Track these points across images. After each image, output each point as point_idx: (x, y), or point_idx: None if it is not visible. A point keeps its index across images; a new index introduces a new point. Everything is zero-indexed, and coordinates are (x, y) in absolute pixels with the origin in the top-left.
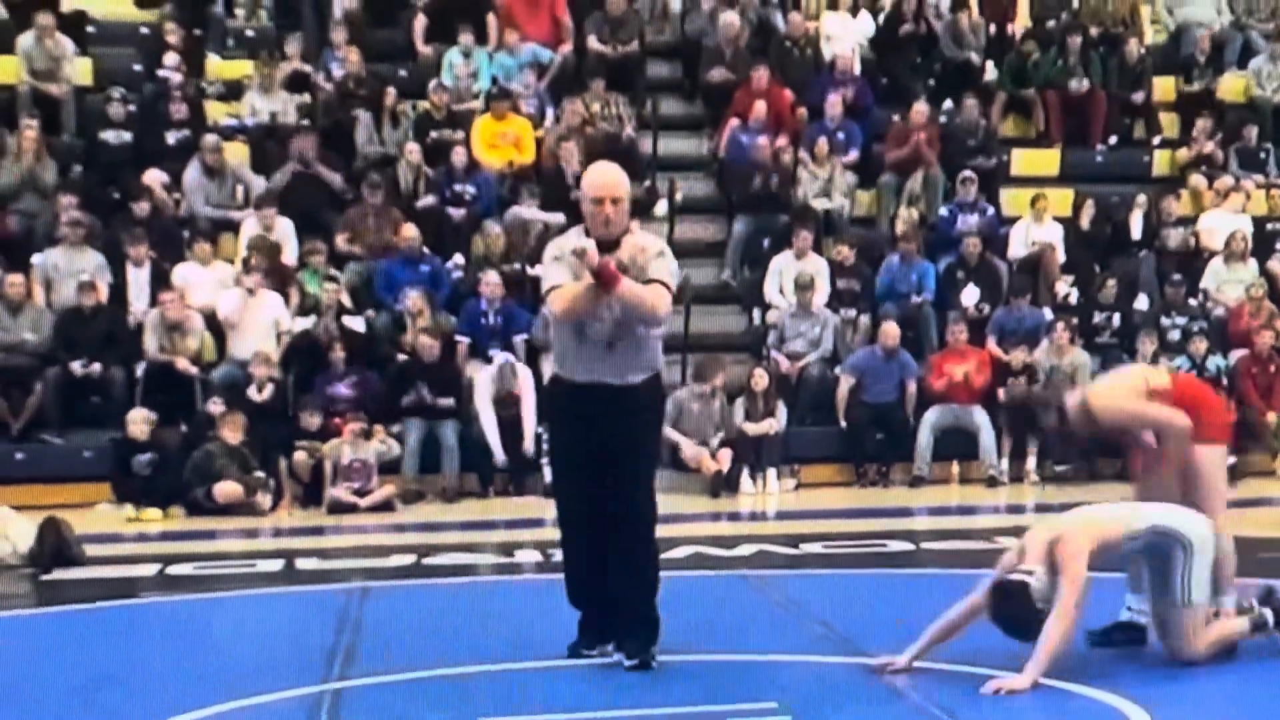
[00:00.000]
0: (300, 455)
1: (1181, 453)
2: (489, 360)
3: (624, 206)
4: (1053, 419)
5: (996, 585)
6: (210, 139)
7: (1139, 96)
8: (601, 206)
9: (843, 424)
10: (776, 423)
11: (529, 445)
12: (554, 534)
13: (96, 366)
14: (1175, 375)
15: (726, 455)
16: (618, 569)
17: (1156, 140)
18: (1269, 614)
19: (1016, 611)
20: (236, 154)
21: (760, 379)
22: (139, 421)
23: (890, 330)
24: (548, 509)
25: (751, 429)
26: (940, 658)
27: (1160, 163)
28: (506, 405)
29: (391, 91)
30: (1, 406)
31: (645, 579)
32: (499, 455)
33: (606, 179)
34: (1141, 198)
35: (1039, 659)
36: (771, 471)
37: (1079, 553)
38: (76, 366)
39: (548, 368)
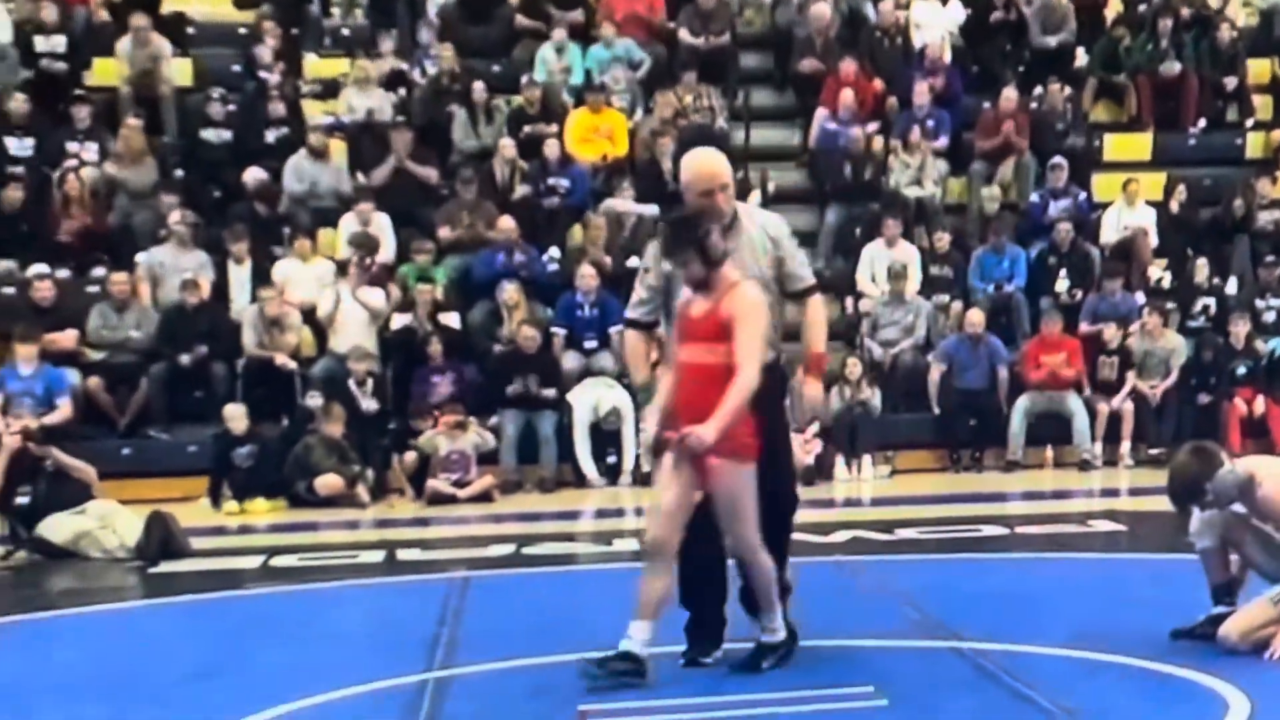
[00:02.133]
0: (409, 455)
1: None
2: (585, 352)
3: (731, 192)
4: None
5: (1201, 444)
6: (318, 120)
7: (1231, 79)
8: (712, 198)
9: (935, 410)
10: (871, 411)
11: (628, 465)
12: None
13: (203, 349)
14: None
15: (818, 443)
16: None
17: (1249, 123)
18: None
19: (1193, 468)
20: (334, 151)
21: (854, 367)
22: (237, 417)
23: (974, 316)
24: (643, 497)
25: (845, 417)
26: (1037, 641)
27: (1253, 145)
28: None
29: (483, 86)
30: (108, 403)
31: (782, 553)
32: (593, 478)
33: (715, 166)
34: (1231, 178)
35: None
36: (866, 458)
37: None
38: (184, 357)
39: None
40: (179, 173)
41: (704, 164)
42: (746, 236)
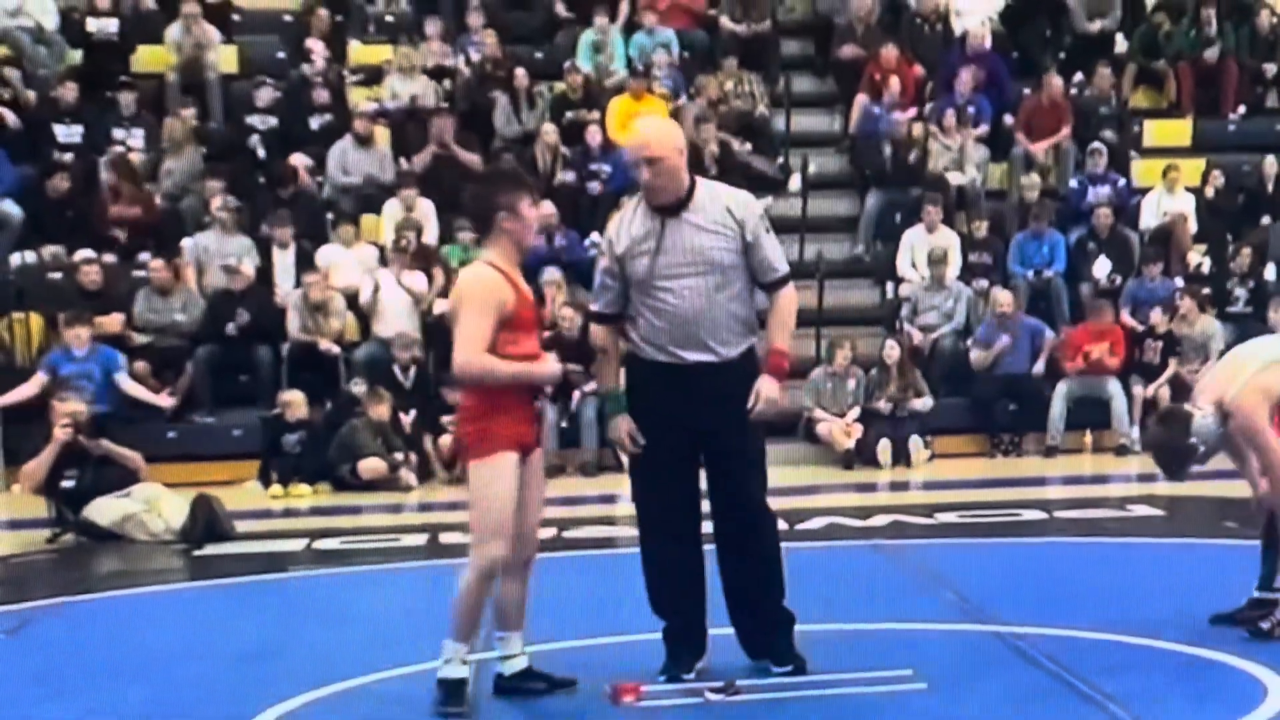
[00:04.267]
0: (445, 438)
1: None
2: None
3: (668, 166)
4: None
5: (1163, 410)
6: (363, 107)
7: (1271, 66)
8: (638, 170)
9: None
10: (921, 402)
11: None
12: None
13: (246, 315)
14: None
15: (859, 428)
16: (741, 573)
17: None
18: None
19: (1169, 436)
20: (378, 138)
21: (891, 351)
22: (295, 403)
23: (1001, 297)
24: None
25: (886, 404)
26: (1077, 625)
27: None
28: None
29: (526, 73)
30: (154, 387)
31: (776, 579)
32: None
33: (641, 136)
34: (1270, 162)
35: None
36: (906, 443)
37: (1258, 425)
38: (230, 326)
39: None
40: (223, 159)
41: (637, 133)
42: (705, 218)
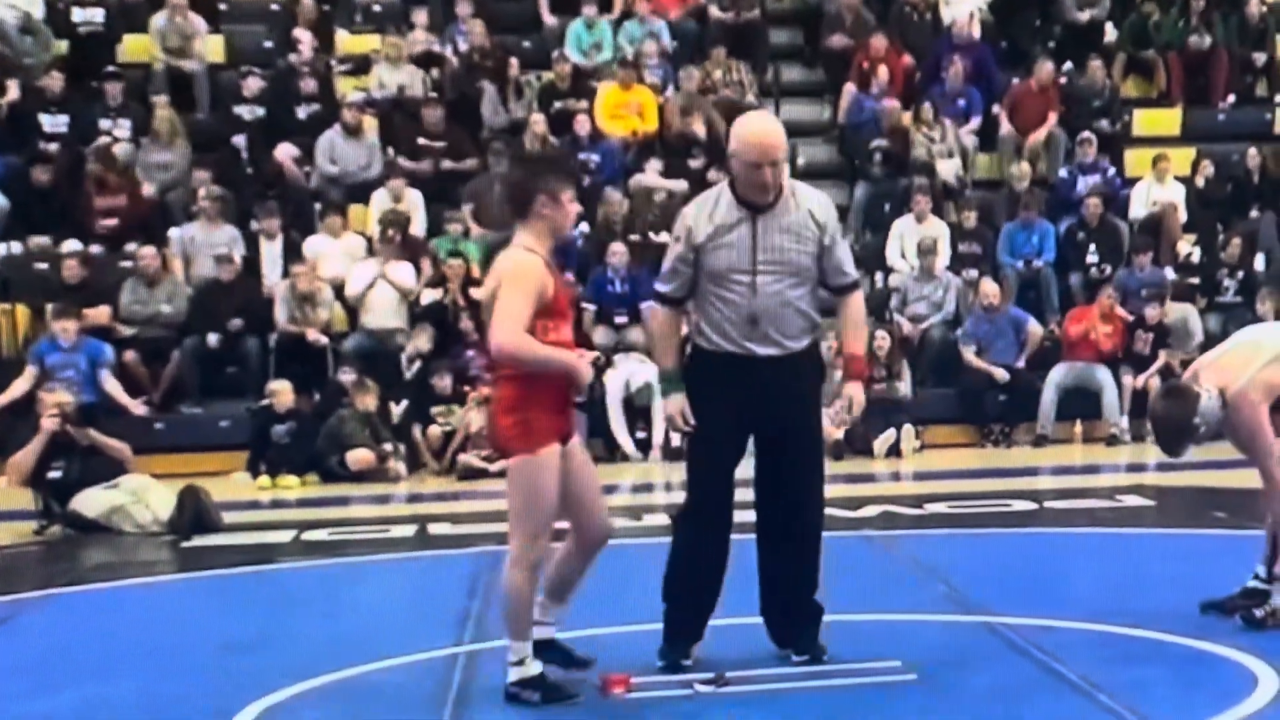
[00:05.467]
0: (433, 429)
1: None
2: (615, 328)
3: (783, 168)
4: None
5: (1171, 385)
6: (353, 97)
7: (1260, 55)
8: (761, 171)
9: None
10: (903, 385)
11: (658, 440)
12: (680, 496)
13: (237, 322)
14: None
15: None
16: (784, 564)
17: (1279, 98)
18: None
19: (1175, 412)
20: (366, 127)
21: (882, 342)
22: (283, 392)
23: (987, 288)
24: (673, 472)
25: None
26: (1067, 616)
27: None
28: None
29: (516, 62)
30: (141, 377)
31: (815, 571)
32: (631, 453)
33: (772, 137)
34: (1258, 153)
35: None
36: (894, 433)
37: (1257, 424)
38: (212, 338)
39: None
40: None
41: (765, 133)
42: (791, 219)
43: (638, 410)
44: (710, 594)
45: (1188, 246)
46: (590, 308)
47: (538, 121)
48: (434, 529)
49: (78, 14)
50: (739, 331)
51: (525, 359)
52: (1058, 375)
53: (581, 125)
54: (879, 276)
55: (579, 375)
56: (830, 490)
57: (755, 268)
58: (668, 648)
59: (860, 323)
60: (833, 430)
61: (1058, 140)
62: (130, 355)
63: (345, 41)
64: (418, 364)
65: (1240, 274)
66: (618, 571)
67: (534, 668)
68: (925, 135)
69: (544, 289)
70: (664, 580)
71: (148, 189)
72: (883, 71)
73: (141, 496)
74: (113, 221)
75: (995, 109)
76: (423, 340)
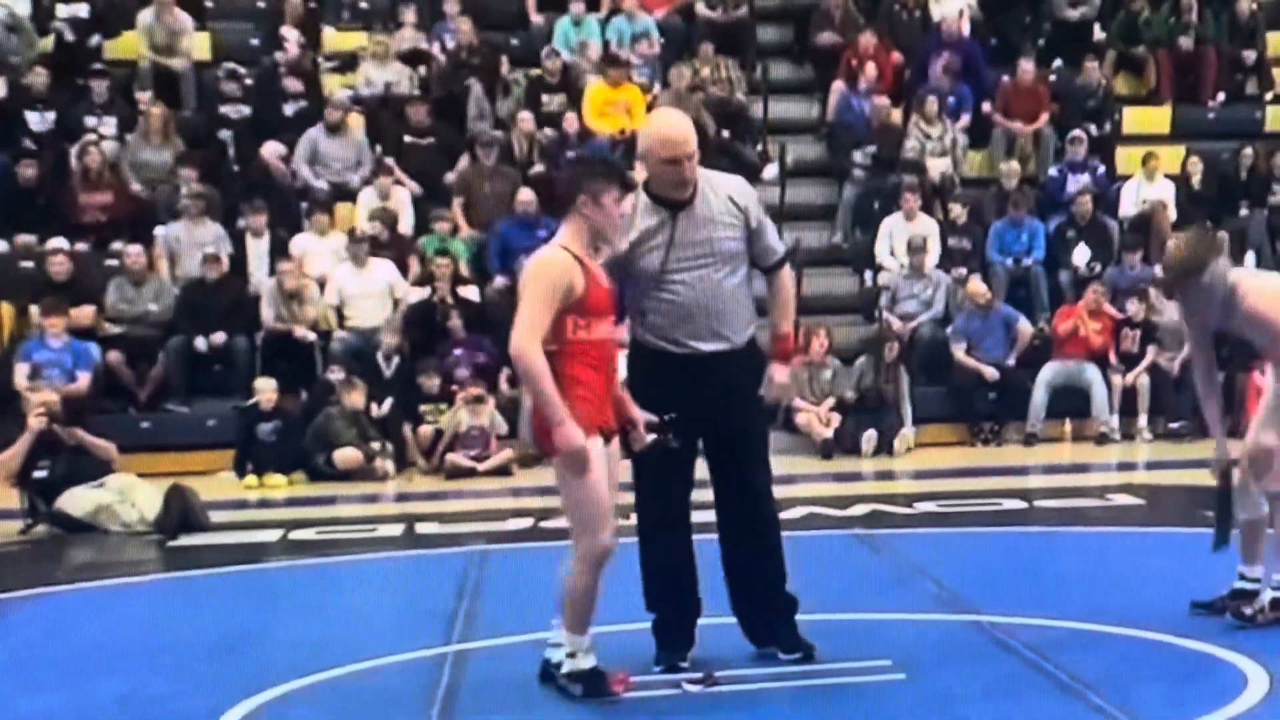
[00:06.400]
0: (424, 428)
1: None
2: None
3: (696, 160)
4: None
5: (1201, 231)
6: (338, 97)
7: (1250, 53)
8: (677, 167)
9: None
10: (901, 387)
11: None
12: None
13: (220, 336)
14: None
15: (837, 418)
16: (747, 561)
17: (1269, 96)
18: None
19: (1194, 250)
20: (353, 125)
21: (891, 350)
22: (267, 390)
23: (974, 286)
24: None
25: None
26: (1056, 614)
27: (1272, 119)
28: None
29: (504, 60)
30: (127, 377)
31: (780, 565)
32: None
33: (682, 131)
34: (1249, 151)
35: None
36: (874, 434)
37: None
38: (200, 342)
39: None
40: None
41: (673, 127)
42: (711, 209)
43: None
44: (691, 597)
45: None
46: None
47: (526, 119)
48: (422, 528)
49: (63, 10)
50: (681, 330)
51: (528, 374)
52: (1048, 374)
53: (569, 123)
54: (868, 275)
55: (559, 434)
56: (819, 489)
57: (684, 264)
58: (662, 653)
59: (790, 300)
60: (821, 428)
61: (1047, 138)
62: (115, 355)
63: (332, 39)
64: (395, 360)
65: None
66: (612, 570)
67: (586, 661)
68: (922, 131)
69: (569, 287)
70: (644, 593)
71: (134, 187)
72: (871, 69)
73: (128, 495)
74: (98, 219)
75: (985, 107)
76: (391, 336)
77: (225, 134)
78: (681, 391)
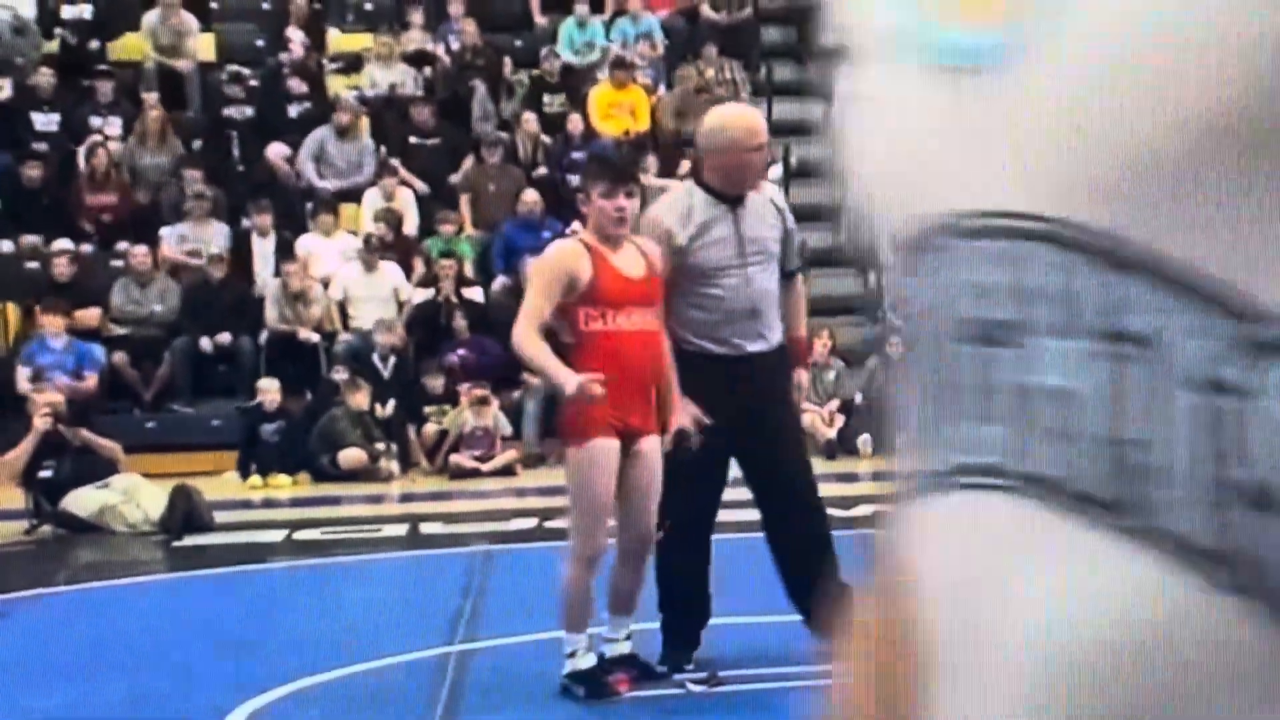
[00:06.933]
0: (428, 428)
1: None
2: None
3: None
4: None
5: None
6: (346, 98)
7: None
8: (754, 155)
9: None
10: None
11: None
12: None
13: (225, 336)
14: None
15: (840, 418)
16: (803, 554)
17: None
18: None
19: None
20: (359, 126)
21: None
22: (270, 390)
23: None
24: None
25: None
26: None
27: None
28: None
29: (508, 61)
30: (132, 377)
31: (833, 555)
32: None
33: (759, 120)
34: None
35: None
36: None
37: None
38: (205, 342)
39: None
40: (201, 143)
41: (753, 117)
42: (759, 207)
43: None
44: (702, 602)
45: None
46: None
47: (529, 120)
48: (426, 528)
49: (68, 11)
50: (729, 330)
51: (526, 358)
52: None
53: (574, 124)
54: (872, 276)
55: (562, 387)
56: (823, 489)
57: (746, 260)
58: (669, 653)
59: (803, 304)
60: (824, 429)
61: None
62: (120, 356)
63: (337, 40)
64: (392, 360)
65: None
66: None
67: (585, 661)
68: None
69: (572, 276)
70: (658, 594)
71: (139, 188)
72: None
73: (133, 496)
74: (103, 220)
75: None
76: (387, 336)
77: (230, 135)
78: (724, 393)
